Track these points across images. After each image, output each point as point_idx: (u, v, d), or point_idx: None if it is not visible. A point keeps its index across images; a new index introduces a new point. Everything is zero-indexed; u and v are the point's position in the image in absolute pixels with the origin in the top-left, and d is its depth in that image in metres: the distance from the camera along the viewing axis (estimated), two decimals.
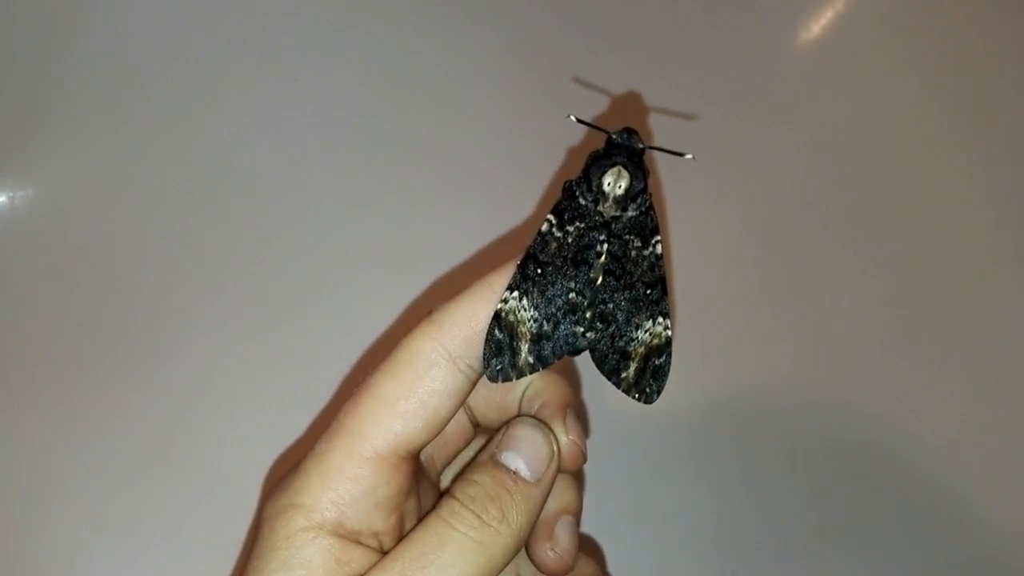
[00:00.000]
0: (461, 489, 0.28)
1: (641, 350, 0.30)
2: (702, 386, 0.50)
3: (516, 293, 0.29)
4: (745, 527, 0.49)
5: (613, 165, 0.29)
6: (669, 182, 0.52)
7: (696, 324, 0.50)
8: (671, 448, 0.49)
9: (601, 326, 0.29)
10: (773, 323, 0.52)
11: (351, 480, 0.27)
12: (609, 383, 0.30)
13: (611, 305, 0.29)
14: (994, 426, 0.52)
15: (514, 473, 0.28)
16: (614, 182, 0.29)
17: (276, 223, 0.49)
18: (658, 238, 0.30)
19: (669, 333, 0.30)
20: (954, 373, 0.52)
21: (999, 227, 0.55)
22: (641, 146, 0.29)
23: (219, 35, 0.50)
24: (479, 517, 0.27)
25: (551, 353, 0.29)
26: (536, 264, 0.29)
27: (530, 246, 0.29)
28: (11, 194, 0.47)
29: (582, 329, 0.29)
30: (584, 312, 0.29)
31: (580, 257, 0.29)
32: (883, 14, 0.57)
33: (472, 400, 0.33)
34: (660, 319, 0.30)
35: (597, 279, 0.29)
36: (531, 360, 0.29)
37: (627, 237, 0.29)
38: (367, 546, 0.28)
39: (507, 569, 0.34)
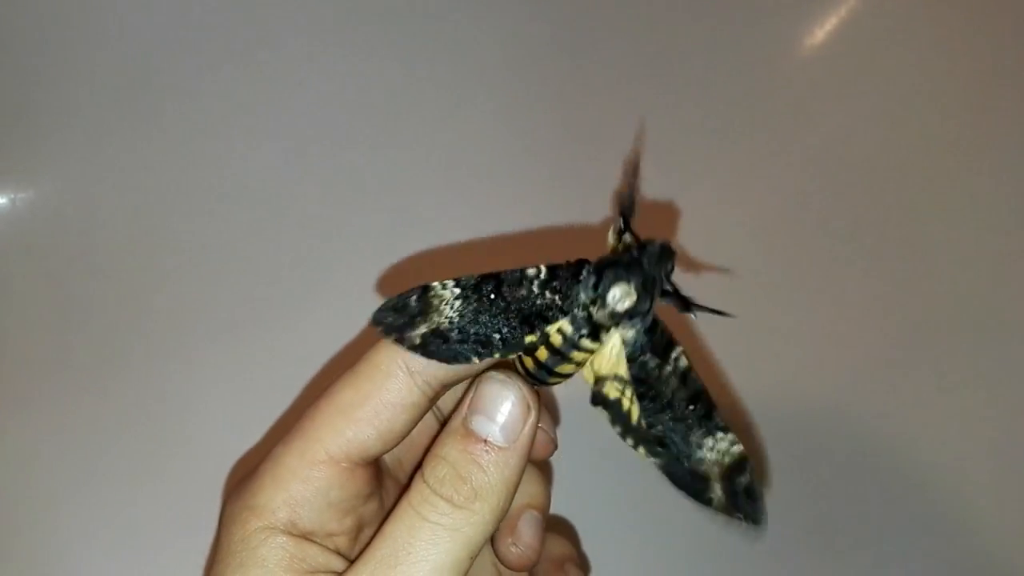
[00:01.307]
0: (430, 470, 0.26)
1: None
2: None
3: (459, 291, 0.28)
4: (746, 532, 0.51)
5: (629, 282, 0.27)
6: (672, 185, 0.53)
7: (701, 328, 0.51)
8: None
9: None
10: (776, 328, 0.52)
11: (303, 481, 0.27)
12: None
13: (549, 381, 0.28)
14: (998, 432, 0.52)
15: (485, 441, 0.26)
16: (621, 297, 0.27)
17: (278, 227, 0.49)
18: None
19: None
20: (959, 378, 0.52)
21: (1005, 232, 0.55)
22: (668, 287, 0.28)
23: (223, 40, 0.49)
24: (449, 502, 0.26)
25: (434, 352, 0.27)
26: (495, 289, 0.28)
27: (505, 272, 0.28)
28: (12, 196, 0.47)
29: (477, 360, 0.28)
30: (490, 351, 0.28)
31: (531, 320, 0.28)
32: (888, 20, 0.57)
33: (442, 401, 0.32)
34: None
35: (538, 349, 0.28)
36: (417, 343, 0.28)
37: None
38: (323, 546, 0.28)
39: (486, 563, 0.34)
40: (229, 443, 0.45)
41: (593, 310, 0.27)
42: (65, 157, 0.47)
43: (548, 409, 0.32)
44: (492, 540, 0.32)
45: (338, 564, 0.28)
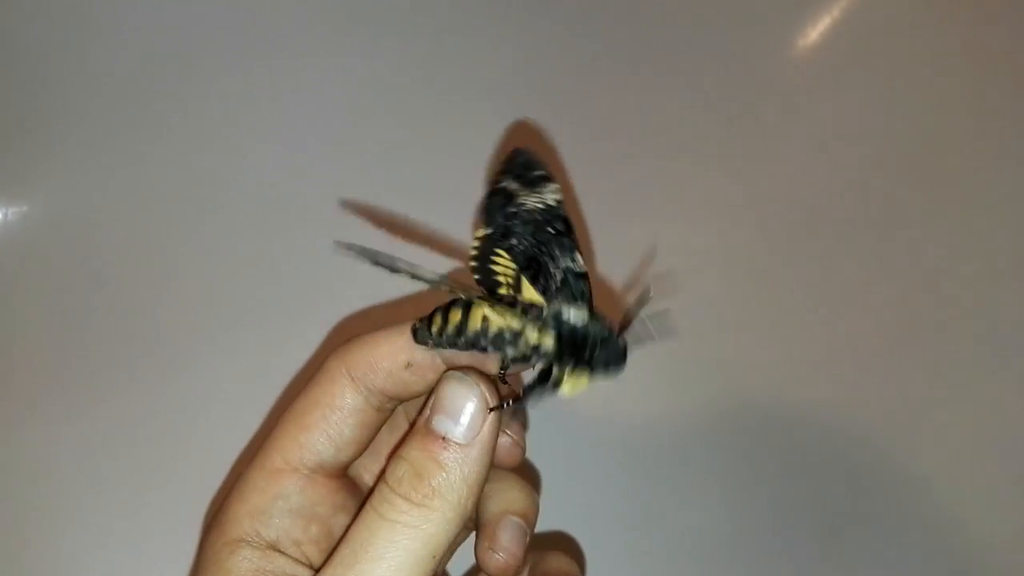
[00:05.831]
0: (390, 470, 0.26)
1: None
2: (707, 392, 0.50)
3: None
4: (750, 534, 0.49)
5: (593, 318, 0.28)
6: (667, 184, 0.53)
7: (699, 330, 0.50)
8: (676, 455, 0.49)
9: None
10: (776, 329, 0.52)
11: (262, 491, 0.28)
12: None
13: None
14: (999, 434, 0.52)
15: (444, 439, 0.26)
16: (576, 312, 0.28)
17: (279, 234, 0.49)
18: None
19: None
20: (960, 380, 0.52)
21: (1005, 233, 0.55)
22: (587, 362, 0.28)
23: (221, 45, 0.49)
24: (407, 500, 0.25)
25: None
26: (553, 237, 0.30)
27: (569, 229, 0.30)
28: (5, 210, 0.47)
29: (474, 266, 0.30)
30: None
31: (538, 270, 0.29)
32: (881, 20, 0.57)
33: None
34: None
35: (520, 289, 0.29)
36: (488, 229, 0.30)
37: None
38: (290, 556, 0.28)
39: None
40: (234, 449, 0.45)
41: (556, 302, 0.29)
42: (59, 169, 0.47)
43: (519, 417, 0.32)
44: (474, 547, 0.32)
45: (305, 573, 0.28)
